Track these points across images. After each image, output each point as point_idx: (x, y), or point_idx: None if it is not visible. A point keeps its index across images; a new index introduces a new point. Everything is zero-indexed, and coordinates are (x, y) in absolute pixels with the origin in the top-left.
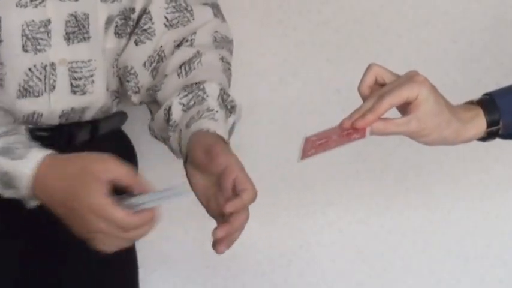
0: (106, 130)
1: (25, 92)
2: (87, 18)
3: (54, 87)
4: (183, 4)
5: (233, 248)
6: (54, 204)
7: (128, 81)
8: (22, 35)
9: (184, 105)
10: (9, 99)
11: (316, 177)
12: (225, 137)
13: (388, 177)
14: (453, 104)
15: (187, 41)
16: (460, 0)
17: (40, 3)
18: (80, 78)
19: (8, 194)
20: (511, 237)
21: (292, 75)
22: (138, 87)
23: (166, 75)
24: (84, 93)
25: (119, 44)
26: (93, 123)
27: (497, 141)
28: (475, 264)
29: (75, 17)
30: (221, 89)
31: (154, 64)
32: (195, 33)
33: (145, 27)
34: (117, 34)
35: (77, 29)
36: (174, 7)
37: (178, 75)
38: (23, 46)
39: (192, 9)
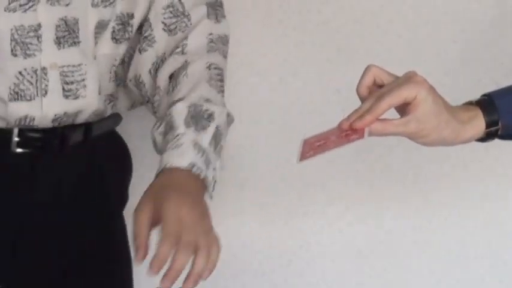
0: (100, 132)
1: (16, 95)
2: (77, 23)
3: (46, 92)
4: (180, 9)
5: (233, 248)
6: None
7: (140, 90)
8: (11, 40)
9: (162, 134)
10: (1, 102)
11: (316, 177)
12: (185, 163)
13: (388, 177)
14: (452, 104)
15: (178, 47)
16: (460, 0)
17: (30, 7)
18: (72, 83)
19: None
20: (511, 237)
21: (292, 75)
22: (148, 97)
23: (158, 87)
24: (76, 97)
25: (116, 49)
26: (87, 125)
27: (497, 142)
28: (475, 264)
29: (65, 21)
30: (189, 107)
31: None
32: (189, 36)
33: (146, 34)
34: (115, 39)
35: (67, 34)
36: (171, 12)
37: (167, 92)
38: (12, 50)
39: (189, 14)
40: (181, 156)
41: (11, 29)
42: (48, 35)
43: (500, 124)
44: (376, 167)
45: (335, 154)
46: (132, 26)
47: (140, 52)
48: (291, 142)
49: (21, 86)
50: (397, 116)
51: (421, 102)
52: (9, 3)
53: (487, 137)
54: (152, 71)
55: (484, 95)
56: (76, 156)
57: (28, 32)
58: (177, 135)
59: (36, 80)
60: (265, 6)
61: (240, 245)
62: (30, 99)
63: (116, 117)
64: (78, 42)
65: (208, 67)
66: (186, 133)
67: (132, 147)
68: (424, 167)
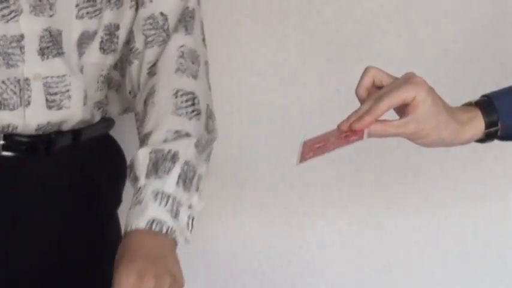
0: (90, 136)
1: (0, 104)
2: (60, 34)
3: (29, 102)
4: (160, 22)
5: (233, 248)
6: None
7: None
8: None
9: (130, 182)
10: None
11: (316, 177)
12: (143, 224)
13: (388, 177)
14: (452, 104)
15: (148, 66)
16: (460, 0)
17: (12, 18)
18: (56, 93)
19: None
20: (511, 237)
21: (292, 75)
22: (136, 112)
23: (138, 113)
24: (60, 108)
25: (104, 59)
26: (75, 131)
27: (497, 142)
28: (475, 264)
29: (50, 32)
30: (150, 153)
31: None
32: (161, 54)
33: (131, 46)
34: (102, 49)
35: (52, 44)
36: (150, 24)
37: (137, 121)
38: None
39: (168, 28)
40: (141, 214)
41: None
42: (31, 45)
43: (499, 125)
44: (376, 167)
45: (335, 154)
46: (118, 37)
47: (129, 64)
48: (291, 142)
49: (5, 95)
50: (397, 117)
51: (420, 103)
52: None
53: (486, 137)
54: (141, 85)
55: (484, 96)
56: (65, 159)
57: (11, 43)
58: (139, 188)
59: (20, 90)
60: (265, 6)
61: (240, 245)
62: (13, 109)
63: (108, 122)
64: (62, 53)
65: (175, 94)
66: (147, 184)
67: (127, 149)
68: (424, 167)
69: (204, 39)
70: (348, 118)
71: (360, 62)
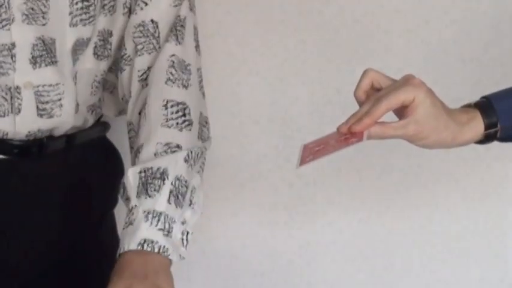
0: (84, 139)
1: None
2: (54, 43)
3: (20, 110)
4: (151, 30)
5: (233, 248)
6: None
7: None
8: None
9: (124, 201)
10: None
11: (316, 177)
12: (134, 245)
13: (388, 177)
14: (452, 105)
15: (142, 76)
16: (460, 0)
17: (3, 26)
18: (47, 102)
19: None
20: (511, 237)
21: (292, 75)
22: (129, 122)
23: (131, 123)
24: (51, 116)
25: (98, 65)
26: (68, 136)
27: (497, 142)
28: (475, 264)
29: (43, 40)
30: (140, 173)
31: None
32: (153, 63)
33: (122, 53)
34: (96, 55)
35: (45, 53)
36: (141, 31)
37: (129, 132)
38: None
39: (159, 36)
40: (133, 235)
41: None
42: (22, 54)
43: (499, 126)
44: (377, 167)
45: (335, 154)
46: (111, 43)
47: (121, 71)
48: (291, 142)
49: None
50: (396, 120)
51: (419, 105)
52: None
53: (485, 139)
54: (132, 92)
55: (483, 97)
56: (58, 162)
57: (1, 51)
58: (131, 208)
59: (11, 97)
60: (265, 6)
61: (240, 245)
62: (4, 116)
63: (103, 125)
64: (56, 62)
65: (165, 106)
66: (138, 205)
67: (125, 152)
68: (424, 167)
69: (197, 46)
70: (347, 121)
71: (360, 62)
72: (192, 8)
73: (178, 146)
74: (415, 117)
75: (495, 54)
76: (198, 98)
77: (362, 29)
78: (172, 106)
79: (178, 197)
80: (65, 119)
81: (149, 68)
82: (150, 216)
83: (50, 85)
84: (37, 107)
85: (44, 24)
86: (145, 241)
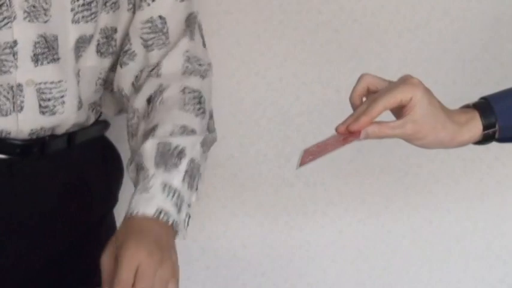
0: (85, 138)
1: None
2: (56, 39)
3: (22, 108)
4: (159, 26)
5: (233, 248)
6: None
7: (123, 103)
8: None
9: (133, 172)
10: None
11: (316, 177)
12: (151, 211)
13: (388, 177)
14: (451, 104)
15: (154, 68)
16: (460, 0)
17: (5, 25)
18: (49, 99)
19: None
20: (511, 237)
21: (292, 75)
22: (133, 109)
23: (136, 109)
24: (53, 113)
25: (101, 63)
26: (69, 134)
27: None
28: (475, 264)
29: (45, 38)
30: (158, 144)
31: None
32: (165, 57)
33: (126, 48)
34: (99, 53)
35: (47, 50)
36: (149, 28)
37: (144, 117)
38: None
39: (167, 31)
40: (149, 202)
41: None
42: (24, 52)
43: (497, 126)
44: (376, 167)
45: (335, 154)
46: (115, 40)
47: (121, 66)
48: (291, 142)
49: None
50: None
51: (417, 104)
52: None
53: (484, 139)
54: (135, 84)
55: (482, 98)
56: (59, 162)
57: (4, 49)
58: (147, 176)
59: (13, 96)
60: (265, 6)
61: (240, 245)
62: (6, 115)
63: (102, 124)
64: (58, 59)
65: (183, 91)
66: (156, 175)
67: (123, 151)
68: (424, 167)
69: (203, 42)
70: (345, 121)
71: (360, 62)
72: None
73: (193, 131)
74: (412, 117)
75: (495, 54)
76: (210, 90)
77: (362, 29)
78: (189, 92)
79: (190, 179)
80: (67, 116)
81: (159, 63)
82: (166, 189)
83: (52, 82)
84: (39, 105)
85: (45, 22)
86: (161, 211)
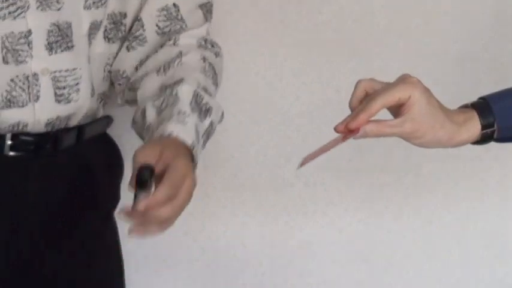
0: (91, 134)
1: (9, 102)
2: (70, 27)
3: (38, 97)
4: (174, 14)
5: (233, 248)
6: None
7: (120, 84)
8: (2, 47)
9: (157, 107)
10: None
11: (316, 177)
12: (189, 141)
13: (388, 177)
14: (451, 104)
15: (170, 39)
16: (460, 0)
17: (19, 14)
18: (64, 87)
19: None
20: (511, 237)
21: (292, 75)
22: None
23: (147, 73)
24: (69, 101)
25: (109, 49)
26: (79, 128)
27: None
28: (475, 264)
29: (58, 26)
30: (194, 92)
31: None
32: (181, 36)
33: (137, 34)
34: (107, 39)
35: (60, 38)
36: (165, 15)
37: (157, 73)
38: (4, 58)
39: (182, 18)
40: (188, 133)
41: (2, 37)
42: (38, 40)
43: (496, 126)
44: (376, 167)
45: (335, 154)
46: (125, 25)
47: (128, 49)
48: (291, 142)
49: (14, 93)
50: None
51: (416, 103)
52: None
53: (482, 139)
54: (139, 67)
55: (481, 98)
56: (68, 158)
57: (19, 39)
58: (184, 112)
59: (28, 87)
60: (265, 6)
61: (240, 245)
62: (23, 106)
63: (107, 119)
64: (72, 47)
65: (203, 59)
66: (191, 116)
67: (123, 149)
68: (424, 167)
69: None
70: (344, 120)
71: (360, 62)
72: None
73: (211, 95)
74: (411, 115)
75: (495, 54)
76: (221, 69)
77: (362, 29)
78: (207, 62)
79: (206, 139)
80: (81, 104)
81: (176, 39)
82: (196, 133)
83: (67, 70)
84: (55, 93)
85: (58, 9)
86: (194, 147)
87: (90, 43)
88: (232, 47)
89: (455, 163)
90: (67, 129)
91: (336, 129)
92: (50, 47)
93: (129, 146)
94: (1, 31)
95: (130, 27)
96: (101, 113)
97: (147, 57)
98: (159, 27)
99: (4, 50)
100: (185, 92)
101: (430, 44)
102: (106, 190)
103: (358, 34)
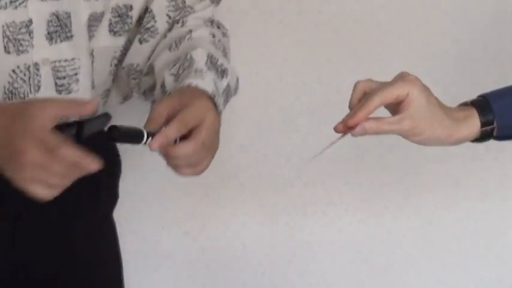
0: (90, 131)
1: (11, 94)
2: (69, 17)
3: (39, 88)
4: (180, 5)
5: (233, 248)
6: None
7: (134, 79)
8: (3, 37)
9: (174, 75)
10: None
11: (316, 177)
12: (209, 90)
13: (388, 176)
14: (451, 105)
15: (178, 22)
16: (460, 0)
17: (20, 3)
18: (64, 77)
19: None
20: (511, 237)
21: (292, 75)
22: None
23: (159, 53)
24: (69, 92)
25: (115, 42)
26: (79, 124)
27: (497, 141)
28: (475, 264)
29: (57, 16)
30: (208, 54)
31: None
32: (188, 16)
33: (148, 25)
34: (113, 32)
35: (59, 28)
36: (173, 6)
37: (170, 49)
38: (5, 48)
39: (191, 6)
40: (207, 85)
41: (3, 26)
42: (39, 30)
43: (495, 124)
44: (376, 167)
45: (335, 154)
46: (131, 17)
47: (141, 43)
48: (291, 142)
49: (15, 85)
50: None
51: (414, 100)
52: (0, 1)
53: (482, 137)
54: (151, 55)
55: (480, 96)
56: None
57: (20, 29)
58: (201, 70)
59: (29, 77)
60: (265, 6)
61: (240, 245)
62: (24, 97)
63: (106, 117)
64: (71, 37)
65: (212, 35)
66: (209, 73)
67: (121, 148)
68: (424, 167)
69: None
70: (343, 120)
71: (360, 62)
72: None
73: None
74: (409, 112)
75: (495, 54)
76: (229, 48)
77: (362, 29)
78: (216, 38)
79: (227, 97)
80: (81, 94)
81: (184, 21)
82: (215, 88)
83: (66, 60)
84: (55, 83)
85: None
86: (215, 96)
87: (91, 36)
88: (232, 47)
89: (455, 163)
90: (67, 125)
91: (335, 129)
92: (50, 37)
93: (127, 145)
94: (2, 20)
95: (138, 19)
96: (100, 111)
97: (158, 44)
98: (169, 17)
99: (5, 40)
100: (199, 55)
101: (430, 44)
102: (105, 189)
103: (358, 34)
